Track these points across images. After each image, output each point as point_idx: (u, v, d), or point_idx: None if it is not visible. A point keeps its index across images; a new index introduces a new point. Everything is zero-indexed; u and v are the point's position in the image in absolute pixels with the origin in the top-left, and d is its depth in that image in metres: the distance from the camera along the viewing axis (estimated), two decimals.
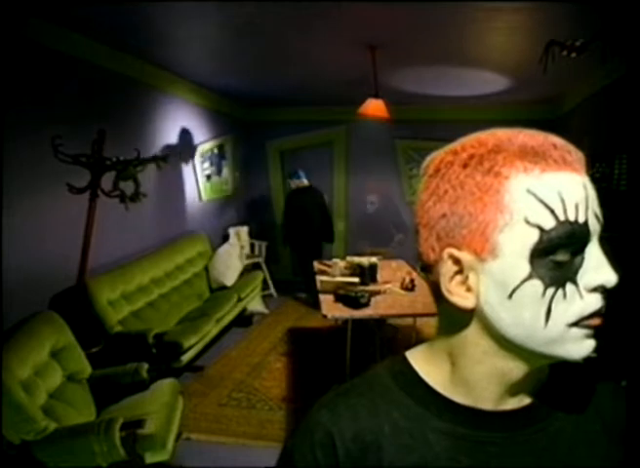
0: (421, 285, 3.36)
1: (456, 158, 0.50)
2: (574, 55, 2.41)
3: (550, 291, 0.45)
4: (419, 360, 0.58)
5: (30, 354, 2.25)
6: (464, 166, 0.49)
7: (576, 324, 0.46)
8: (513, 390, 0.53)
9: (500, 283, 0.47)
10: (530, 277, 0.46)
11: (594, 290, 0.46)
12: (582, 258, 0.46)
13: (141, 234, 3.97)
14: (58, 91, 2.99)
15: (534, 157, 0.47)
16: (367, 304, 2.98)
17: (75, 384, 2.45)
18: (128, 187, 2.84)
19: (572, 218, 0.45)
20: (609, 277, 0.46)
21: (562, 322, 0.46)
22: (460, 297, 0.50)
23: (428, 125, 5.72)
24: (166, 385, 2.59)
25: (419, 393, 0.55)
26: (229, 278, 4.60)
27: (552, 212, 0.45)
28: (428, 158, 0.54)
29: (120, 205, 2.79)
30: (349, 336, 3.20)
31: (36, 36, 2.76)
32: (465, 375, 0.53)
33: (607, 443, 0.53)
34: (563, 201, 0.45)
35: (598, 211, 0.48)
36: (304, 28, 2.96)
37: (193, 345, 3.42)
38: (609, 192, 3.51)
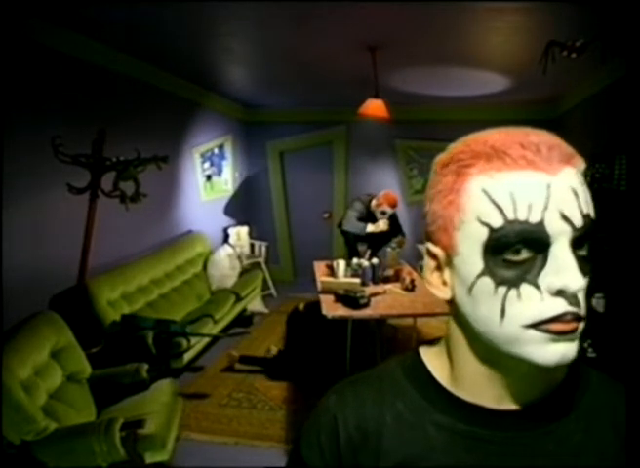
0: (422, 285, 3.36)
1: (443, 158, 0.52)
2: (574, 55, 2.42)
3: (502, 289, 0.46)
4: (429, 355, 0.59)
5: (30, 354, 2.25)
6: (444, 166, 0.51)
7: (534, 326, 0.45)
8: (515, 389, 0.52)
9: (462, 278, 0.49)
10: (482, 274, 0.47)
11: (557, 293, 0.44)
12: (545, 260, 0.45)
13: (142, 234, 3.98)
14: (58, 91, 2.99)
15: (492, 157, 0.47)
16: (367, 305, 2.98)
17: (75, 384, 2.45)
18: (128, 187, 2.84)
19: (522, 218, 0.45)
20: (568, 282, 0.43)
21: (517, 322, 0.45)
22: (438, 290, 0.53)
23: (428, 125, 5.72)
24: (166, 385, 2.59)
25: (425, 387, 0.56)
26: (227, 282, 4.60)
27: (501, 210, 0.45)
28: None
29: (120, 205, 2.79)
30: (349, 336, 3.20)
31: (37, 36, 2.76)
32: (461, 372, 0.54)
33: (619, 452, 0.51)
34: (514, 200, 0.45)
35: (571, 211, 0.45)
36: (305, 28, 2.96)
37: (194, 345, 3.42)
38: (609, 192, 3.51)
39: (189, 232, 4.77)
